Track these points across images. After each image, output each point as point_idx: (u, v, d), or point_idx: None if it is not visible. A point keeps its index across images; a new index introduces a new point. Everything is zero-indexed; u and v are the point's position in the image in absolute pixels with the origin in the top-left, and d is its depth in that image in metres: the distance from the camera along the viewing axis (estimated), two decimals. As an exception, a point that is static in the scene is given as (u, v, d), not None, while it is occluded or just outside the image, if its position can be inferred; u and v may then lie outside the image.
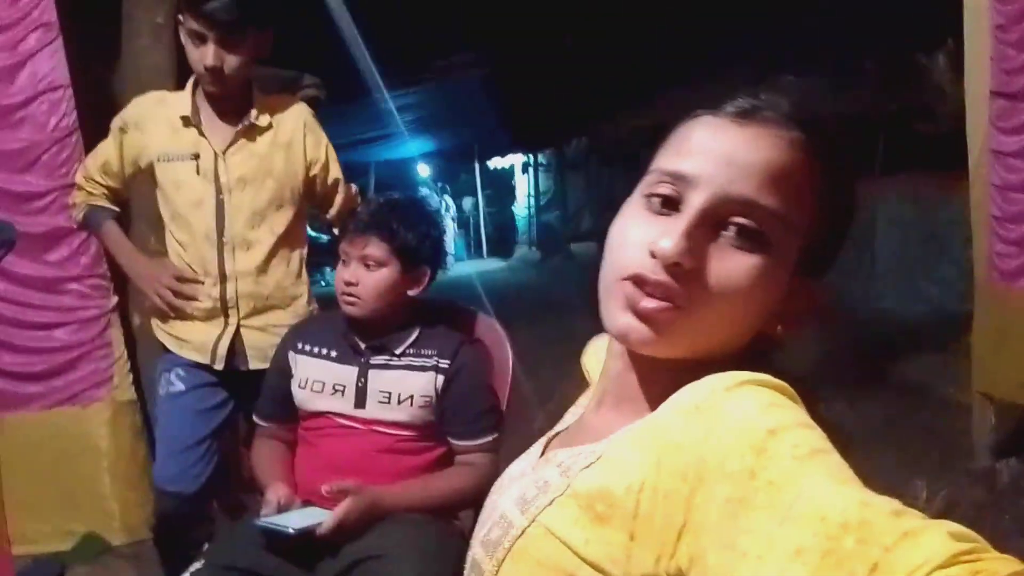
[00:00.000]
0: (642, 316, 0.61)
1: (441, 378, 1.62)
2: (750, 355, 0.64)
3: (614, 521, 0.58)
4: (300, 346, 1.72)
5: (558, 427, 0.83)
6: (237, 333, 1.96)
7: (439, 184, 15.02)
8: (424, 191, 12.43)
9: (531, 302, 8.10)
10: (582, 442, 0.68)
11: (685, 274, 0.60)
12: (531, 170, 15.55)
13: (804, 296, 0.65)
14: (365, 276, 1.62)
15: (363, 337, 1.67)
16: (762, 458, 0.51)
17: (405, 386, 1.62)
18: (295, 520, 1.44)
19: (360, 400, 1.62)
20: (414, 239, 1.64)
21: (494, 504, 0.74)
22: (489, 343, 1.84)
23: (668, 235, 0.59)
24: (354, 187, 2.19)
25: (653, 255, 0.60)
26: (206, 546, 1.84)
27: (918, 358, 4.52)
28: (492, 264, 13.98)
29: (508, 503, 0.69)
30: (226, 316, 1.95)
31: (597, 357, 0.91)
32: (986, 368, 2.99)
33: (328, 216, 2.13)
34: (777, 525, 0.47)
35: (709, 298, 0.60)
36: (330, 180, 2.07)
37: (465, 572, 0.75)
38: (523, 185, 16.92)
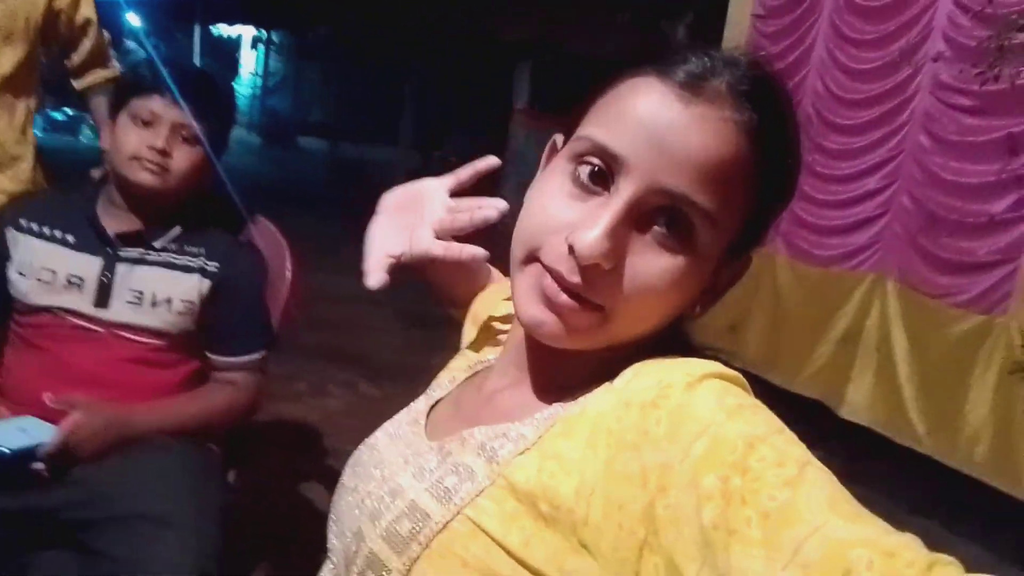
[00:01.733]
0: (555, 310, 0.56)
1: (208, 283, 1.39)
2: (668, 332, 0.60)
3: (559, 525, 0.52)
4: (24, 223, 1.37)
5: (435, 391, 0.74)
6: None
7: (151, 41, 13.14)
8: (131, 46, 10.76)
9: (248, 190, 7.51)
10: (495, 419, 0.61)
11: (604, 273, 0.54)
12: (261, 47, 14.27)
13: (727, 276, 0.61)
14: (181, 148, 1.35)
15: (114, 223, 1.38)
16: (748, 480, 0.45)
17: (162, 287, 1.36)
18: (7, 437, 1.16)
19: (102, 298, 1.34)
20: (227, 122, 1.42)
21: (382, 480, 0.63)
22: (264, 248, 1.63)
23: (588, 228, 0.53)
24: (107, 35, 1.80)
25: (571, 249, 0.54)
26: None
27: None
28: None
29: (415, 487, 0.59)
30: None
31: (486, 305, 0.83)
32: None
33: (69, 64, 1.73)
34: (781, 568, 0.42)
35: (627, 298, 0.55)
36: (79, 19, 1.69)
37: (338, 557, 0.64)
38: (249, 62, 15.49)
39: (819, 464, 0.48)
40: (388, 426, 0.72)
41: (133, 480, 1.21)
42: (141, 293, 1.35)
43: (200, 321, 1.40)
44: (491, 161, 0.73)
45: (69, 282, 1.34)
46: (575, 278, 0.54)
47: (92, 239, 1.36)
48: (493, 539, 0.53)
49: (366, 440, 0.72)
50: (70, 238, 1.36)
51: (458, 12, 7.96)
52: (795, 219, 3.25)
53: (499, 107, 8.27)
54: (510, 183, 6.97)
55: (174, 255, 1.39)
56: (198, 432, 1.37)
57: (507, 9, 6.97)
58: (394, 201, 0.77)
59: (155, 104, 1.33)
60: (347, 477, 0.69)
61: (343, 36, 11.95)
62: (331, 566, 0.67)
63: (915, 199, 2.86)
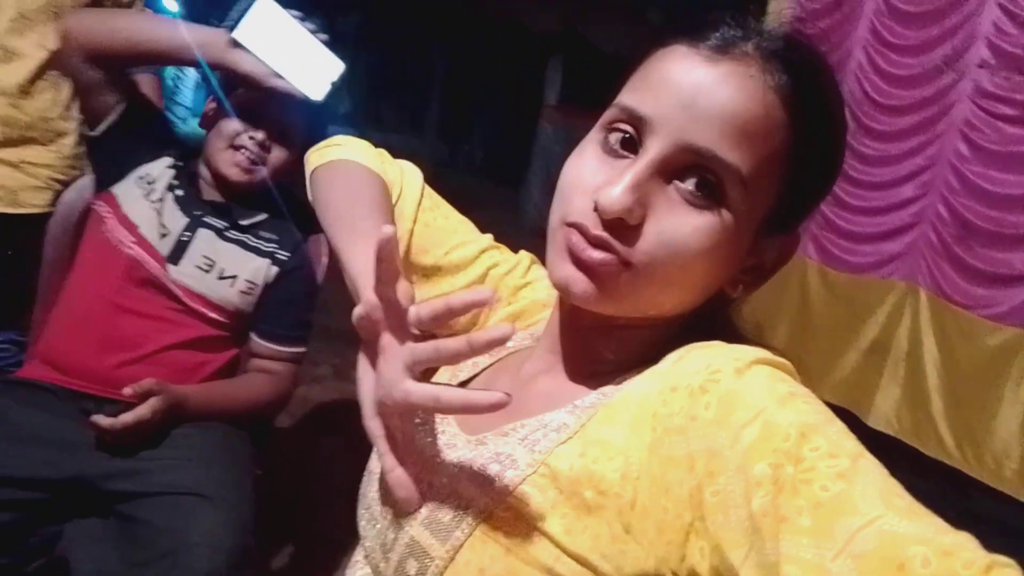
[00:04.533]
0: (584, 267, 0.55)
1: (275, 270, 1.43)
2: (708, 313, 0.59)
3: (605, 511, 0.51)
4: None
5: (460, 372, 0.73)
6: (-19, 164, 1.54)
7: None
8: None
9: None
10: (534, 407, 0.60)
11: (630, 229, 0.54)
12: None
13: (769, 254, 0.60)
14: (277, 149, 1.41)
15: (207, 190, 1.43)
16: (801, 470, 0.44)
17: (232, 263, 1.39)
18: None
19: (176, 254, 1.37)
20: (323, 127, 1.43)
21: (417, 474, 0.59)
22: (314, 256, 1.65)
23: (614, 184, 0.53)
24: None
25: (596, 206, 0.54)
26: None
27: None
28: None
29: (454, 475, 0.58)
30: (-33, 140, 1.52)
31: (537, 285, 0.81)
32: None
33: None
34: (831, 559, 0.41)
35: (655, 256, 0.54)
36: (126, -2, 1.68)
37: (372, 543, 0.63)
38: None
39: (872, 457, 0.46)
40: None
41: (174, 456, 1.24)
42: (212, 263, 1.38)
43: (257, 305, 1.43)
44: (485, 296, 0.52)
45: (160, 234, 1.36)
46: (599, 230, 0.54)
47: (185, 197, 1.40)
48: (536, 526, 0.53)
49: None
50: (173, 191, 1.41)
51: (490, 1, 7.94)
52: (828, 224, 3.22)
53: (527, 101, 8.24)
54: (537, 179, 6.97)
55: (251, 237, 1.43)
56: (238, 417, 1.39)
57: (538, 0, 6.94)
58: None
59: (262, 106, 1.37)
60: (374, 463, 0.68)
61: (374, 25, 11.98)
62: (363, 552, 0.66)
63: (951, 208, 2.82)
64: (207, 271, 1.38)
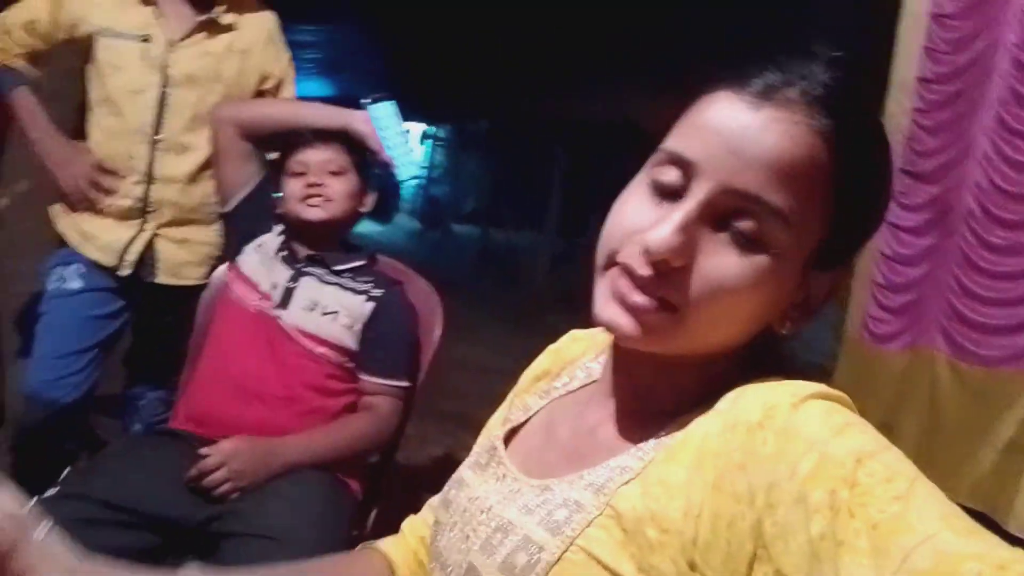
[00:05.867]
0: (629, 309, 0.57)
1: (371, 305, 1.57)
2: (760, 348, 0.61)
3: (669, 549, 0.52)
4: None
5: (513, 415, 0.76)
6: (152, 241, 1.79)
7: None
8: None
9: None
10: (599, 455, 0.62)
11: (676, 271, 0.55)
12: (429, 141, 15.32)
13: (817, 290, 0.60)
14: (331, 180, 1.59)
15: (302, 248, 1.62)
16: (857, 494, 0.46)
17: (333, 301, 1.55)
18: None
19: (285, 300, 1.55)
20: (368, 156, 1.64)
21: (484, 514, 0.65)
22: (421, 307, 1.78)
23: (661, 227, 0.55)
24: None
25: (644, 247, 0.55)
26: (67, 471, 1.66)
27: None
28: (367, 226, 13.66)
29: (525, 522, 0.60)
30: (143, 220, 1.78)
31: (571, 351, 0.82)
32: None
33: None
34: (889, 575, 0.43)
35: (700, 297, 0.55)
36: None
37: None
38: (418, 154, 16.67)
39: (928, 481, 0.48)
40: (469, 460, 0.75)
41: (270, 503, 1.34)
42: (316, 303, 1.55)
43: (359, 340, 1.56)
44: None
45: (272, 285, 1.57)
46: (646, 271, 0.55)
47: (288, 256, 1.60)
48: (607, 568, 0.54)
49: (452, 477, 0.75)
50: (276, 254, 1.62)
51: (604, 103, 8.25)
52: (957, 316, 3.07)
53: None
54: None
55: (348, 280, 1.59)
56: (343, 459, 1.49)
57: (647, 99, 7.17)
58: None
59: (300, 155, 1.59)
60: (441, 515, 0.71)
61: (499, 129, 12.63)
62: None
63: (1092, 299, 2.65)
64: (311, 311, 1.54)
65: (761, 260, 0.55)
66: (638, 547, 0.53)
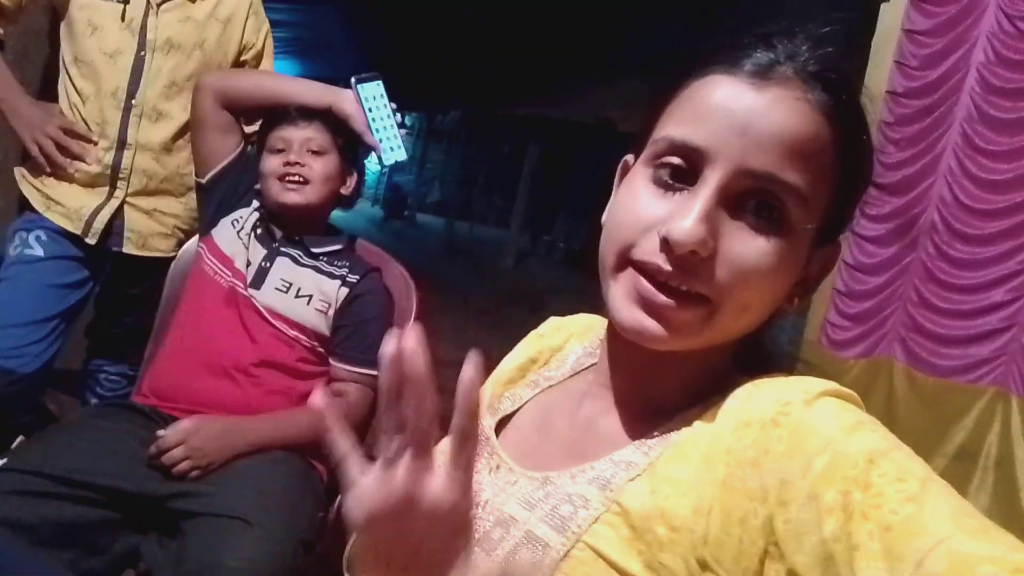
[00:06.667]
0: (655, 312, 0.56)
1: (346, 290, 1.54)
2: (752, 335, 0.61)
3: (678, 547, 0.52)
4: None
5: (501, 405, 0.74)
6: (120, 209, 1.74)
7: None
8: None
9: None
10: (600, 448, 0.61)
11: (701, 262, 0.54)
12: (395, 128, 15.20)
13: (814, 265, 0.61)
14: (311, 159, 1.55)
15: (281, 228, 1.58)
16: (870, 496, 0.46)
17: (307, 284, 1.53)
18: None
19: (258, 280, 1.52)
20: (350, 135, 1.59)
21: (482, 508, 0.62)
22: (396, 293, 1.76)
23: (682, 218, 0.54)
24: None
25: (665, 241, 0.54)
26: (17, 442, 1.59)
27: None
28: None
29: (527, 517, 0.59)
30: (112, 187, 1.73)
31: (555, 339, 0.80)
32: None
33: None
34: None
35: (731, 285, 0.55)
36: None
37: None
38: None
39: (941, 480, 0.48)
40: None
41: (235, 484, 1.30)
42: (289, 284, 1.52)
43: (332, 326, 1.53)
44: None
45: (246, 264, 1.53)
46: (669, 267, 0.54)
47: (264, 236, 1.57)
48: (614, 566, 0.53)
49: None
50: (255, 231, 1.59)
51: (576, 100, 8.26)
52: (915, 326, 3.15)
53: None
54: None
55: (324, 263, 1.57)
56: (308, 443, 1.43)
57: (621, 101, 7.20)
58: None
59: (279, 131, 1.55)
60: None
61: (471, 121, 12.58)
62: None
63: (1045, 315, 2.74)
64: (285, 292, 1.51)
65: (780, 239, 0.55)
66: (646, 545, 0.53)
